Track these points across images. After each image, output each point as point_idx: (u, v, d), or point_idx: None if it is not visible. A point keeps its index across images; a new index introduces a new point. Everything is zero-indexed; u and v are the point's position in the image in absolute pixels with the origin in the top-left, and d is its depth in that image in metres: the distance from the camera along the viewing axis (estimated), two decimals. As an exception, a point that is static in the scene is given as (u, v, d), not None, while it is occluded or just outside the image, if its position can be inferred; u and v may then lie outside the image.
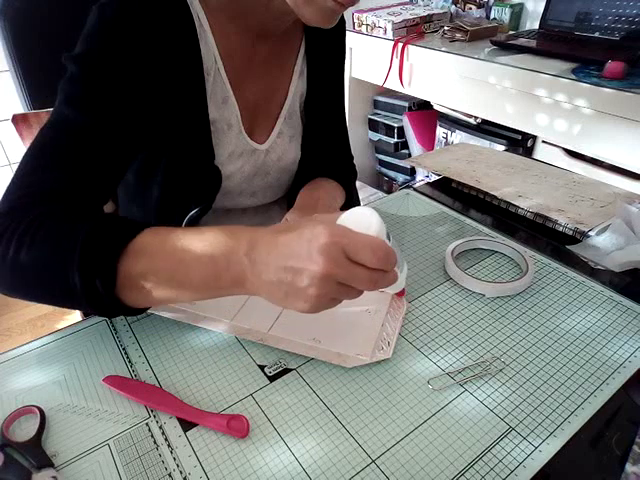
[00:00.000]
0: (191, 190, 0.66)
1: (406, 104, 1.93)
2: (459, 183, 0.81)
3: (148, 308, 0.49)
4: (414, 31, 1.70)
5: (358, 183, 1.00)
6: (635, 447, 0.40)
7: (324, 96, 0.75)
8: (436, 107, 1.81)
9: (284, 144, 0.72)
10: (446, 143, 1.83)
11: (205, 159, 0.64)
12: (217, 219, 0.74)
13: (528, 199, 0.74)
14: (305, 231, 0.41)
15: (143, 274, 0.44)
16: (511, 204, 0.75)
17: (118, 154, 0.55)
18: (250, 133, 0.68)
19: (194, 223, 0.68)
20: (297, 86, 0.71)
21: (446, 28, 1.67)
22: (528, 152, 1.55)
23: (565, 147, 1.42)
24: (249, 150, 0.68)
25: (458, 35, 1.63)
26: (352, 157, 0.89)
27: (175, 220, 0.67)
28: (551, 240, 0.69)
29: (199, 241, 0.44)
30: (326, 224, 0.41)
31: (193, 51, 0.58)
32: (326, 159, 0.80)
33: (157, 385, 0.47)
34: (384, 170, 2.19)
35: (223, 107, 0.64)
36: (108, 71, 0.52)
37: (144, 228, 0.46)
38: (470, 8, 1.83)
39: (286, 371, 0.49)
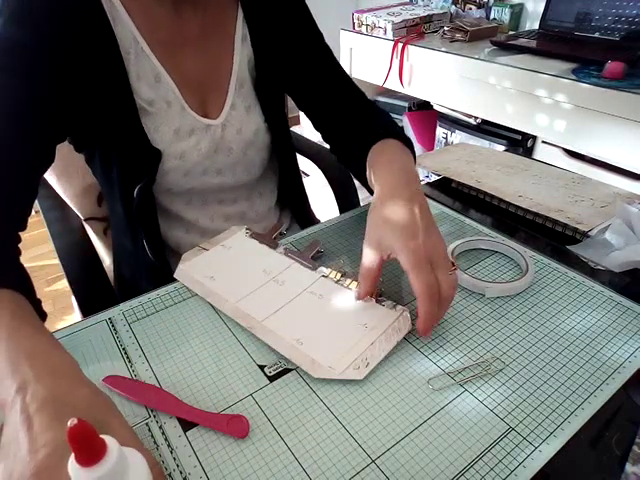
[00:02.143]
0: (136, 170, 0.65)
1: (406, 104, 1.93)
2: (459, 183, 0.81)
3: None
4: (414, 31, 1.71)
5: (358, 183, 0.99)
6: (635, 447, 0.40)
7: (293, 53, 0.73)
8: (436, 107, 1.81)
9: (241, 116, 0.70)
10: (446, 143, 1.83)
11: (137, 139, 0.63)
12: (194, 209, 0.74)
13: (528, 199, 0.74)
14: (26, 446, 0.33)
15: None
16: (511, 204, 0.75)
17: (37, 129, 0.55)
18: (203, 109, 0.67)
19: (146, 202, 0.68)
20: (242, 53, 0.69)
21: (446, 28, 1.67)
22: (528, 152, 1.56)
23: (565, 147, 1.42)
24: (201, 127, 0.67)
25: (458, 35, 1.63)
26: (368, 101, 0.77)
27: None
28: (551, 240, 0.69)
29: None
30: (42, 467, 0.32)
31: (104, 33, 0.57)
32: (341, 112, 0.75)
33: (157, 385, 0.47)
34: (384, 170, 2.19)
35: (157, 85, 0.63)
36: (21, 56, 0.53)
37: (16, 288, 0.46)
38: (470, 8, 1.84)
39: (286, 371, 0.49)
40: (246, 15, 0.69)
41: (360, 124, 0.72)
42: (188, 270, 0.61)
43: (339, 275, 0.58)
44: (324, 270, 0.59)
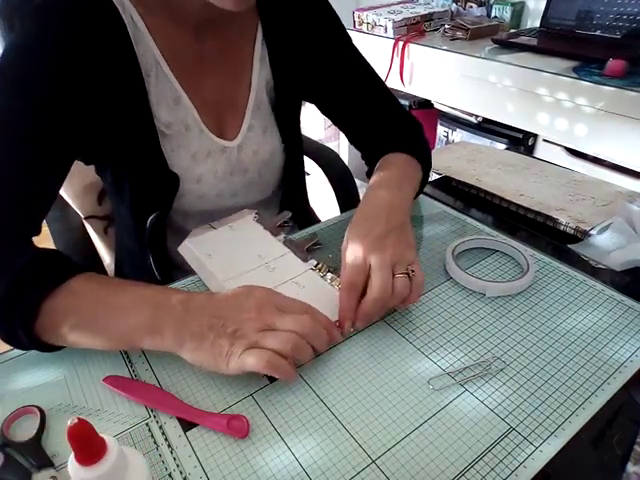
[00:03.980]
0: (152, 195, 0.65)
1: (407, 103, 1.92)
2: (460, 182, 0.81)
3: (60, 348, 0.50)
4: (415, 30, 1.70)
5: (358, 182, 0.99)
6: (636, 447, 0.40)
7: (320, 65, 0.71)
8: (437, 106, 1.81)
9: (258, 137, 0.69)
10: (447, 142, 1.83)
11: (156, 163, 0.62)
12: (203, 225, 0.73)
13: (529, 198, 0.74)
14: (241, 290, 0.47)
15: (66, 314, 0.46)
16: (512, 203, 0.75)
17: (49, 151, 0.53)
18: (220, 131, 0.66)
19: (158, 228, 0.68)
20: (261, 74, 0.68)
21: (447, 26, 1.66)
22: (529, 151, 1.55)
23: (566, 146, 1.42)
24: (218, 149, 0.66)
25: (459, 33, 1.63)
26: (402, 110, 0.77)
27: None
28: (552, 239, 0.69)
29: (132, 291, 0.47)
30: (262, 287, 0.48)
31: (126, 53, 0.56)
32: (372, 129, 0.74)
33: (157, 385, 0.47)
34: (385, 169, 2.19)
35: (176, 108, 0.61)
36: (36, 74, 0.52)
37: (80, 272, 0.48)
38: (471, 6, 1.83)
39: (286, 371, 0.48)
40: (266, 34, 0.67)
41: (384, 134, 0.73)
42: (191, 246, 0.63)
43: (327, 270, 0.59)
44: (314, 263, 0.60)
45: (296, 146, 0.76)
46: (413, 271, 0.51)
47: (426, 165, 0.70)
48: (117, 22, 0.55)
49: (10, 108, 0.51)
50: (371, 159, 0.75)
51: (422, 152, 0.70)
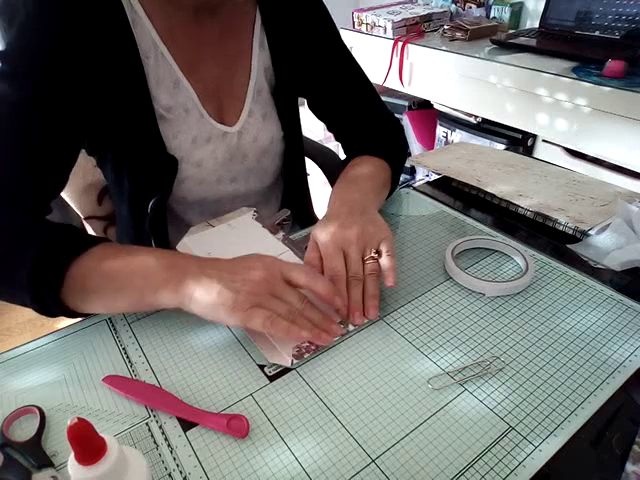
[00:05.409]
0: (151, 180, 0.65)
1: (406, 103, 1.93)
2: (459, 182, 0.81)
3: (86, 315, 0.54)
4: (414, 30, 1.71)
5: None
6: (635, 446, 0.40)
7: (311, 58, 0.72)
8: (436, 106, 1.81)
9: (257, 123, 0.70)
10: (446, 142, 1.83)
11: (154, 146, 0.63)
12: (206, 219, 0.73)
13: (528, 198, 0.74)
14: (249, 256, 0.51)
15: (89, 276, 0.48)
16: (511, 203, 0.75)
17: (53, 136, 0.54)
18: (220, 116, 0.67)
19: (159, 212, 0.68)
20: (260, 59, 0.68)
21: (446, 27, 1.67)
22: (528, 151, 1.55)
23: (565, 146, 1.42)
24: (218, 134, 0.67)
25: (458, 34, 1.63)
26: (383, 110, 0.79)
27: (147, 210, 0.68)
28: (551, 239, 0.69)
29: (148, 254, 0.50)
30: (269, 255, 0.51)
31: (124, 37, 0.56)
32: (352, 127, 0.77)
33: (157, 385, 0.47)
34: (384, 169, 2.18)
35: (176, 92, 0.62)
36: (37, 58, 0.52)
37: (99, 242, 0.51)
38: (470, 7, 1.83)
39: (286, 371, 0.49)
40: (264, 20, 0.67)
41: (360, 135, 0.74)
42: (190, 244, 0.63)
43: None
44: None
45: (295, 136, 0.76)
46: (377, 252, 0.55)
47: (396, 166, 0.73)
48: (115, 5, 0.55)
49: (13, 93, 0.51)
50: (347, 157, 0.76)
51: (394, 154, 0.72)
